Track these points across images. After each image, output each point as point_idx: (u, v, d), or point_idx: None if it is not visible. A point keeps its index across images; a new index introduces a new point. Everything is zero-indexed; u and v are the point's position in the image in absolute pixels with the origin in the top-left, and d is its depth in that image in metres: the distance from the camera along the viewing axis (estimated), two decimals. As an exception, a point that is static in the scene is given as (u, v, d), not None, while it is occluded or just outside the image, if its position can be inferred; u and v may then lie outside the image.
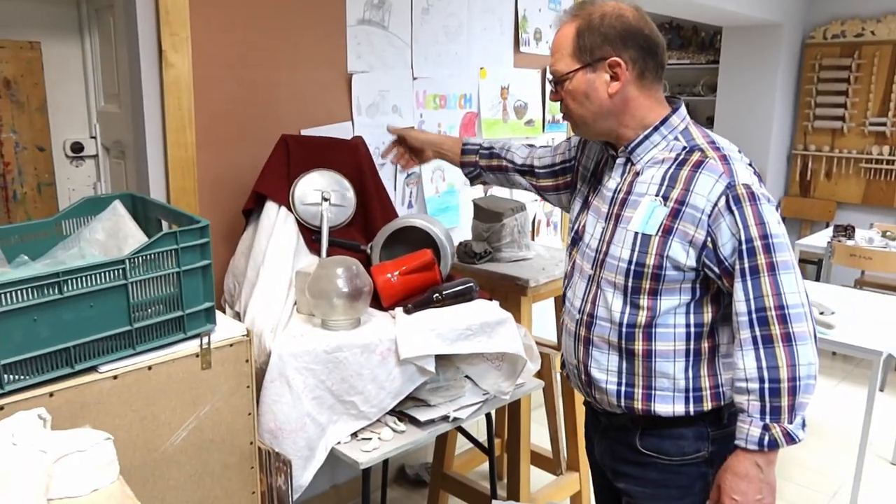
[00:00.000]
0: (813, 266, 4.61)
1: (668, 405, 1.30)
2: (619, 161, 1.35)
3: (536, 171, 1.63)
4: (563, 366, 1.52)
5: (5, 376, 1.14)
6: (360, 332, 1.64)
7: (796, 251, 3.98)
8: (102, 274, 1.23)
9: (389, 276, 1.79)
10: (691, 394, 1.30)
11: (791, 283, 1.18)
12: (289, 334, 1.63)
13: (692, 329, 1.28)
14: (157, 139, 1.89)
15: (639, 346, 1.29)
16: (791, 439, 1.19)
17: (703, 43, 5.89)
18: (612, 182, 1.36)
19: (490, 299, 1.84)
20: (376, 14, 2.32)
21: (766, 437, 1.19)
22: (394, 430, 1.67)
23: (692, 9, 4.11)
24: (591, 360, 1.35)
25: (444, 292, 1.76)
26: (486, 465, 2.57)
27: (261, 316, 1.67)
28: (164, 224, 1.58)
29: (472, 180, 1.79)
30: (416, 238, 1.93)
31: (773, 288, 1.17)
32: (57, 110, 2.34)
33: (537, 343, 2.03)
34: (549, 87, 1.37)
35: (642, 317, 1.28)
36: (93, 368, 1.25)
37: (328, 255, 1.83)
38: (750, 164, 1.26)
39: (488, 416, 1.97)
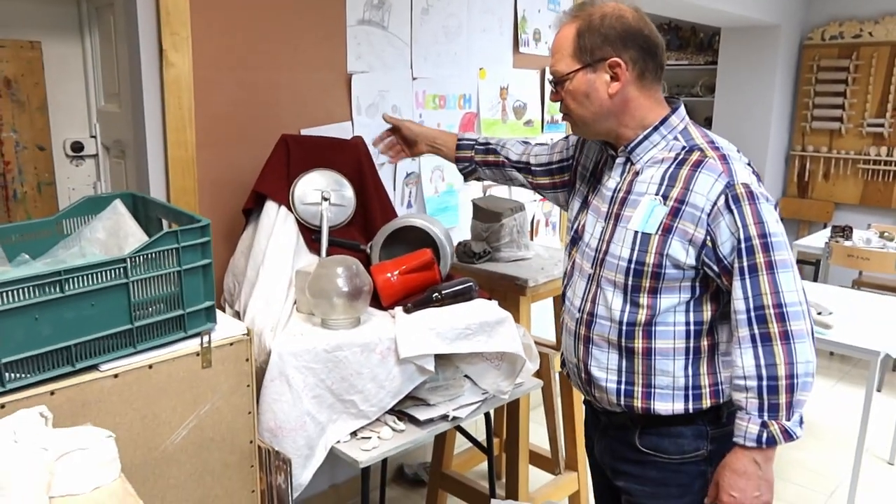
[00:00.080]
0: (811, 266, 4.61)
1: (668, 403, 1.31)
2: (619, 161, 1.35)
3: (532, 168, 1.64)
4: (563, 364, 1.52)
5: (7, 374, 1.15)
6: (359, 332, 1.65)
7: (794, 252, 3.98)
8: (103, 273, 1.24)
9: (389, 275, 1.79)
10: (690, 392, 1.30)
11: (789, 281, 1.19)
12: (289, 333, 1.63)
13: (692, 327, 1.28)
14: (157, 138, 1.89)
15: (639, 344, 1.30)
16: (789, 436, 1.20)
17: (701, 44, 5.90)
18: (611, 182, 1.36)
19: (489, 299, 1.85)
20: (376, 14, 2.33)
21: (765, 435, 1.20)
22: (393, 429, 1.68)
23: (691, 10, 4.12)
24: (591, 358, 1.36)
25: (443, 292, 1.77)
26: (484, 465, 2.57)
27: (261, 315, 1.67)
28: (165, 223, 1.58)
29: (467, 176, 1.78)
30: (415, 238, 1.93)
31: (772, 286, 1.18)
32: (57, 109, 2.34)
33: (536, 343, 2.03)
34: (549, 88, 1.37)
35: (642, 315, 1.28)
36: (94, 367, 1.25)
37: (328, 254, 1.84)
38: (749, 164, 1.27)
39: (487, 415, 1.97)
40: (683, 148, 1.28)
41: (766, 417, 1.20)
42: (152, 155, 1.90)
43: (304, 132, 2.18)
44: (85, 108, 2.40)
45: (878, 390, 3.72)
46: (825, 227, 4.95)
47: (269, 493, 1.55)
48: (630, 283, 1.28)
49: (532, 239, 3.06)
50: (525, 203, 2.39)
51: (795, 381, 1.18)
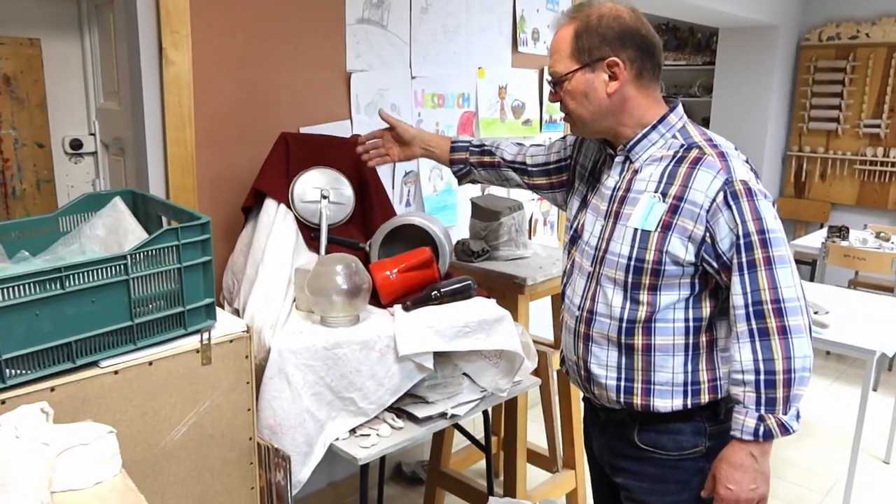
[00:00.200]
0: (807, 266, 4.63)
1: (667, 400, 1.32)
2: (618, 159, 1.36)
3: (529, 168, 1.64)
4: (562, 362, 1.53)
5: (7, 370, 1.15)
6: (358, 329, 1.65)
7: (791, 251, 3.99)
8: (104, 269, 1.24)
9: (388, 273, 1.80)
10: (689, 387, 1.31)
11: (787, 277, 1.20)
12: (288, 331, 1.63)
13: (691, 323, 1.29)
14: (156, 136, 1.90)
15: (638, 341, 1.31)
16: (786, 430, 1.21)
17: (699, 44, 5.91)
18: (610, 180, 1.37)
19: (488, 297, 1.86)
20: (375, 13, 2.33)
21: (762, 428, 1.21)
22: (392, 427, 1.68)
23: (689, 10, 4.13)
24: (591, 356, 1.37)
25: (442, 290, 1.78)
26: (482, 463, 2.57)
27: (260, 313, 1.68)
28: (164, 220, 1.58)
29: (461, 179, 1.77)
30: (414, 236, 1.93)
31: (770, 282, 1.20)
32: (56, 107, 2.34)
33: (534, 341, 2.04)
34: (547, 88, 1.38)
35: (642, 312, 1.29)
36: (94, 363, 1.25)
37: (327, 252, 1.84)
38: (746, 161, 1.28)
39: (485, 413, 1.98)
40: (682, 146, 1.29)
41: (763, 411, 1.21)
42: (152, 153, 1.90)
43: (303, 130, 2.19)
44: (84, 105, 2.40)
45: (874, 389, 3.73)
46: (822, 227, 4.97)
47: (269, 490, 1.55)
48: (630, 280, 1.28)
49: (530, 238, 3.07)
50: (523, 202, 2.39)
51: (793, 375, 1.20)
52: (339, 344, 1.60)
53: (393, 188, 2.50)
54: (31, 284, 1.15)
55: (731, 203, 1.21)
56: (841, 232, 4.07)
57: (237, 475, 1.47)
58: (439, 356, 1.74)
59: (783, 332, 1.19)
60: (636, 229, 1.28)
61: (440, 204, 2.70)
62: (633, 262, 1.28)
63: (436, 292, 1.77)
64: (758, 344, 1.21)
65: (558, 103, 1.36)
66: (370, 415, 1.67)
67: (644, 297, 1.28)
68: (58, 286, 1.18)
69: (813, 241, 4.25)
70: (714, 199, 1.21)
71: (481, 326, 1.73)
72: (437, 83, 2.59)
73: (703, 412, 1.33)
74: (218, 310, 1.47)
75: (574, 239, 1.43)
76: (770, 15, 4.74)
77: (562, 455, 2.50)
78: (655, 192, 1.27)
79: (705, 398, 1.32)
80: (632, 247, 1.28)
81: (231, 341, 1.41)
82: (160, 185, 1.92)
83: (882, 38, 4.87)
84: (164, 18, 1.82)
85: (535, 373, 2.08)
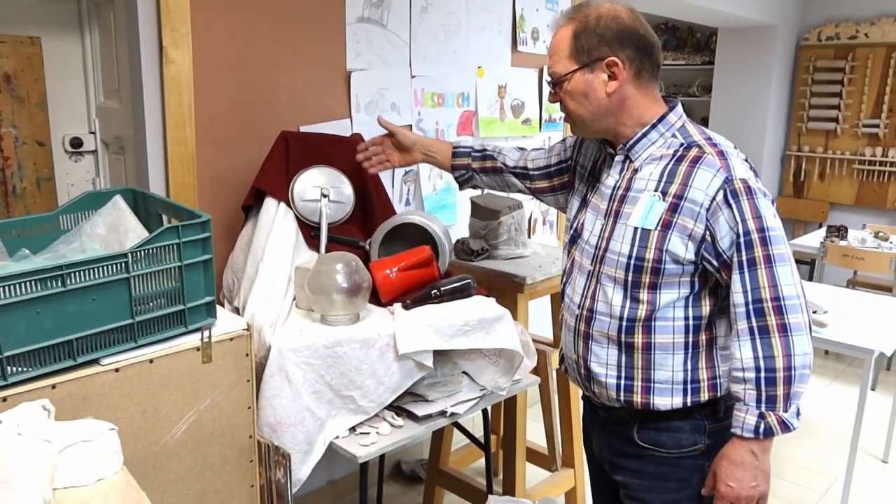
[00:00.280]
0: (806, 266, 4.64)
1: (667, 398, 1.32)
2: (618, 159, 1.37)
3: (531, 173, 1.64)
4: (561, 361, 1.54)
5: (9, 368, 1.15)
6: (358, 328, 1.66)
7: (790, 250, 4.00)
8: (105, 267, 1.24)
9: (388, 272, 1.80)
10: (689, 385, 1.32)
11: (787, 275, 1.21)
12: (288, 329, 1.64)
13: (691, 322, 1.30)
14: (156, 135, 1.90)
15: (638, 339, 1.31)
16: (786, 427, 1.22)
17: (698, 44, 5.92)
18: (610, 179, 1.38)
19: (487, 296, 1.86)
20: (375, 12, 2.33)
21: (762, 425, 1.22)
22: (392, 425, 1.69)
23: (688, 10, 4.14)
24: (591, 354, 1.37)
25: (442, 288, 1.78)
26: (481, 461, 2.58)
27: (260, 311, 1.68)
28: (165, 219, 1.59)
29: (463, 184, 1.76)
30: (414, 235, 1.94)
31: (770, 280, 1.20)
32: (57, 105, 2.34)
33: (533, 340, 2.05)
34: (547, 89, 1.39)
35: (642, 311, 1.30)
36: (95, 361, 1.26)
37: (327, 251, 1.84)
38: (746, 160, 1.29)
39: (484, 412, 1.98)
40: (682, 145, 1.30)
41: (763, 409, 1.22)
42: (152, 152, 1.90)
43: (303, 129, 2.19)
44: (84, 104, 2.40)
45: (873, 389, 3.74)
46: (821, 226, 4.98)
47: (269, 488, 1.56)
48: (630, 278, 1.29)
49: (529, 237, 3.07)
50: (523, 201, 2.40)
51: (793, 373, 1.20)
52: (339, 342, 1.60)
53: (393, 187, 2.50)
54: (33, 282, 1.16)
55: (731, 201, 1.21)
56: (840, 231, 4.08)
57: (237, 473, 1.47)
58: (439, 355, 1.74)
59: (783, 329, 1.20)
60: (636, 228, 1.28)
61: (440, 203, 2.70)
62: (633, 261, 1.28)
63: (435, 291, 1.77)
64: (758, 342, 1.21)
65: (558, 104, 1.36)
66: (370, 413, 1.67)
67: (644, 295, 1.29)
68: (59, 284, 1.19)
69: (812, 240, 4.26)
70: (714, 198, 1.22)
71: (481, 325, 1.74)
72: (436, 82, 2.60)
73: (703, 410, 1.34)
74: (218, 308, 1.47)
75: (574, 238, 1.44)
76: (769, 15, 4.75)
77: (561, 453, 2.51)
78: (655, 190, 1.28)
79: (705, 396, 1.32)
80: (632, 245, 1.28)
81: (231, 339, 1.41)
82: (160, 184, 1.93)
83: (881, 38, 4.88)
84: (165, 17, 1.83)
85: (535, 371, 2.08)
